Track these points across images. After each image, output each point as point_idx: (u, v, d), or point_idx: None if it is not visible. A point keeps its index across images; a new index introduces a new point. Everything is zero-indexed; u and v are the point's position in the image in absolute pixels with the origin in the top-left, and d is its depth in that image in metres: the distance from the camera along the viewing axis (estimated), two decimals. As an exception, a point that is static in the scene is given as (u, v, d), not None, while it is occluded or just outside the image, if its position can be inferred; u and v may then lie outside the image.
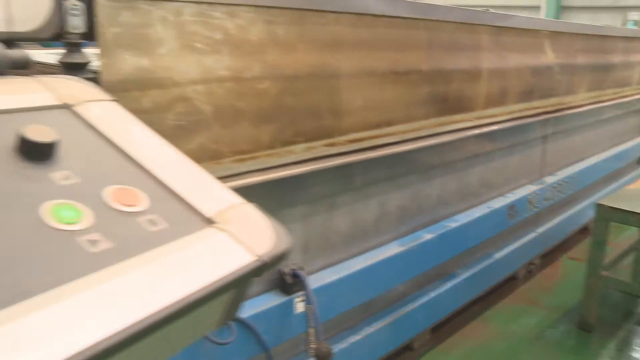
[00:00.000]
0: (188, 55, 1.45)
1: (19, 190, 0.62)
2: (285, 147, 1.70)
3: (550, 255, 3.26)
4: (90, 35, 1.26)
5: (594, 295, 2.50)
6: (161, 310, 0.56)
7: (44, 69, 1.35)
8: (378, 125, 1.95)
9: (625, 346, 2.45)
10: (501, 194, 2.72)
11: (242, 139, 1.58)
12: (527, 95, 2.66)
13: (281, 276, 1.74)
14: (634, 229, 2.76)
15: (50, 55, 1.52)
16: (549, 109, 2.82)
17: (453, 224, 2.38)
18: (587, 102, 3.24)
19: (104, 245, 0.60)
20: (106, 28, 1.29)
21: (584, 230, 3.51)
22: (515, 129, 2.57)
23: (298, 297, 1.80)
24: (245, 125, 1.58)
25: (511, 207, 2.67)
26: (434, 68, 2.09)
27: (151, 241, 0.63)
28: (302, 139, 1.73)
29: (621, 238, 3.09)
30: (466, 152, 2.41)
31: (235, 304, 0.75)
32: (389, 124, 1.98)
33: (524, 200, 2.79)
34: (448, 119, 2.18)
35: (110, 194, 0.66)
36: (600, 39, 3.47)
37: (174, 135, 1.34)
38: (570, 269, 3.14)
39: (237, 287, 0.68)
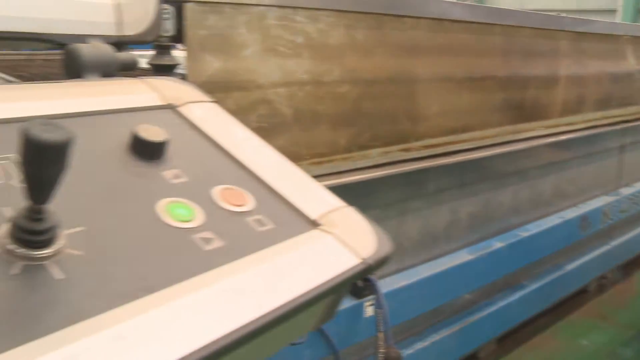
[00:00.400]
0: (270, 58, 1.47)
1: (135, 187, 0.64)
2: (361, 152, 1.70)
3: (624, 269, 3.15)
4: (178, 38, 1.30)
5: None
6: (274, 311, 0.57)
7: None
8: (453, 131, 1.93)
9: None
10: (574, 204, 2.65)
11: (320, 142, 1.59)
12: (605, 103, 2.59)
13: (353, 280, 1.73)
14: None
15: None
16: (628, 117, 2.74)
17: (524, 233, 2.34)
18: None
19: (217, 243, 0.61)
20: (193, 31, 1.32)
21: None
22: (592, 137, 2.50)
23: (368, 301, 1.80)
24: (324, 128, 1.59)
25: (584, 218, 2.60)
26: (510, 74, 2.06)
27: (260, 241, 0.64)
28: (378, 144, 1.73)
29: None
30: (540, 161, 2.36)
31: (334, 306, 0.76)
32: (464, 130, 1.96)
33: (598, 212, 2.71)
34: (523, 127, 2.14)
35: (218, 193, 0.68)
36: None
37: (256, 136, 1.36)
38: (647, 285, 3.04)
39: (341, 289, 0.68)
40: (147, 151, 0.68)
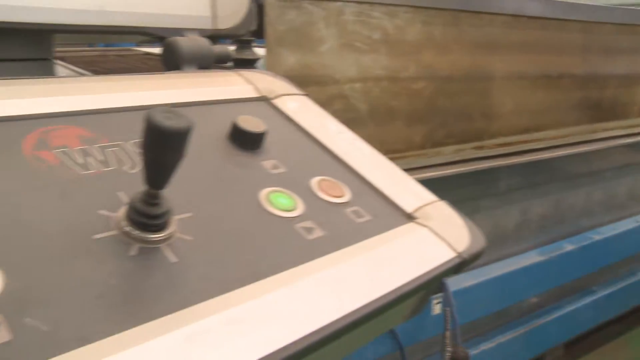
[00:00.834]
0: (347, 53, 1.48)
1: (238, 175, 0.65)
2: (434, 149, 1.69)
3: None
4: (258, 33, 1.32)
5: None
6: (378, 300, 0.57)
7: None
8: (527, 130, 1.90)
9: None
10: (651, 208, 2.57)
11: (395, 138, 1.59)
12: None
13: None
14: None
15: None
16: None
17: (597, 236, 2.27)
18: None
19: (318, 233, 0.62)
20: (273, 26, 1.34)
21: None
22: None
23: (435, 298, 1.78)
24: (399, 124, 1.59)
25: (661, 222, 2.52)
26: (589, 72, 2.01)
27: (359, 232, 0.64)
28: (452, 141, 1.71)
29: None
30: (615, 162, 2.29)
31: (425, 300, 0.75)
32: (538, 129, 1.93)
33: (677, 217, 2.62)
34: (599, 126, 2.09)
35: (316, 184, 0.68)
36: None
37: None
38: None
39: (436, 282, 0.68)
40: (246, 141, 0.69)
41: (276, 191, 0.64)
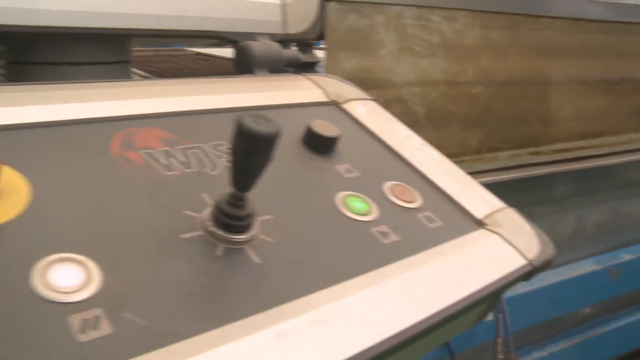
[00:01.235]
0: (406, 57, 1.48)
1: (314, 179, 0.66)
2: (490, 153, 1.68)
3: None
4: (319, 36, 1.33)
5: None
6: (453, 305, 0.57)
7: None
8: (585, 136, 1.87)
9: None
10: None
11: (452, 142, 1.59)
12: None
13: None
14: None
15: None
16: None
17: (655, 246, 2.22)
18: None
19: (393, 237, 0.62)
20: (333, 30, 1.35)
21: None
22: None
23: (488, 305, 1.77)
24: (455, 128, 1.58)
25: None
26: (651, 77, 1.97)
27: (432, 238, 0.65)
28: (508, 146, 1.70)
29: None
30: (677, 170, 2.24)
31: (491, 306, 0.75)
32: (597, 135, 1.89)
33: None
34: (661, 133, 2.04)
35: (389, 189, 0.69)
36: None
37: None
38: None
39: (506, 289, 0.68)
40: (321, 145, 0.70)
41: (351, 195, 0.65)
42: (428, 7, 1.50)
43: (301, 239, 0.57)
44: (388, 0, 1.43)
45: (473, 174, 1.64)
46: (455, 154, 1.59)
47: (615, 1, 1.85)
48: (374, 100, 0.86)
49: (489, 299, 0.65)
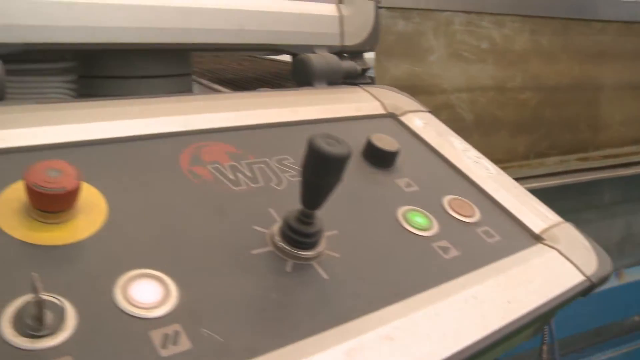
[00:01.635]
0: (455, 63, 1.48)
1: (376, 193, 0.67)
2: (538, 159, 1.67)
3: None
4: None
5: None
6: (514, 322, 0.58)
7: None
8: (636, 142, 1.84)
9: None
10: None
11: (499, 148, 1.58)
12: None
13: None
14: None
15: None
16: None
17: None
18: None
19: (454, 253, 0.63)
20: (383, 36, 1.36)
21: None
22: None
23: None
24: (503, 134, 1.58)
25: None
26: None
27: (491, 253, 0.65)
28: (555, 152, 1.69)
29: None
30: None
31: (547, 321, 0.76)
32: (647, 140, 1.87)
33: None
34: None
35: (447, 203, 0.70)
36: None
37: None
38: None
39: (565, 305, 0.68)
40: (381, 159, 0.71)
41: (412, 210, 0.66)
42: (477, 12, 1.49)
43: (366, 254, 0.59)
44: (437, 7, 1.44)
45: (520, 179, 1.64)
46: (502, 159, 1.59)
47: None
48: (430, 111, 0.87)
49: (548, 316, 0.66)
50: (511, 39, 1.54)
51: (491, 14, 1.50)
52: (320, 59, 0.83)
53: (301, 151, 0.67)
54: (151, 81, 0.80)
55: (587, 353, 2.01)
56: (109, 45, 0.70)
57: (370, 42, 0.90)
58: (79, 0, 0.68)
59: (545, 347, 1.73)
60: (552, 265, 0.68)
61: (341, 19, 0.88)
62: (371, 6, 0.92)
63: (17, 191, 0.51)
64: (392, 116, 0.82)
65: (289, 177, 0.65)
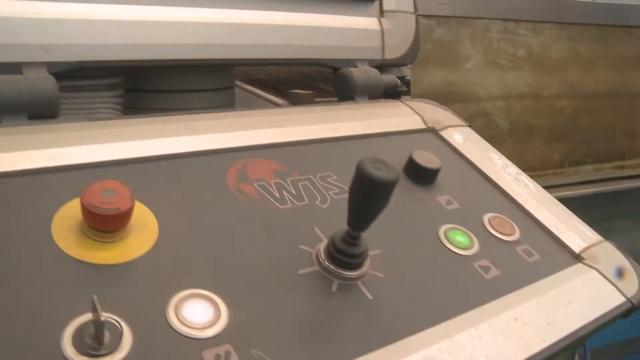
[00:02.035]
0: (491, 71, 1.48)
1: (417, 211, 0.68)
2: (573, 167, 1.65)
3: None
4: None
5: None
6: (555, 344, 0.58)
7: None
8: (673, 150, 1.81)
9: None
10: None
11: (534, 156, 1.57)
12: None
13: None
14: None
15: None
16: None
17: None
18: None
19: (494, 272, 0.64)
20: (421, 44, 1.36)
21: None
22: None
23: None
24: (538, 142, 1.57)
25: None
26: None
27: (532, 273, 0.66)
28: (591, 160, 1.67)
29: None
30: None
31: (584, 342, 0.76)
32: (686, 149, 1.84)
33: None
34: None
35: (488, 221, 0.70)
36: None
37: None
38: None
39: (604, 327, 0.68)
40: (422, 176, 0.72)
41: (453, 228, 0.67)
42: (514, 20, 1.49)
43: (408, 273, 0.60)
44: (474, 14, 1.43)
45: (554, 187, 1.63)
46: (536, 167, 1.58)
47: None
48: (469, 125, 0.87)
49: (587, 337, 0.66)
50: (548, 47, 1.53)
51: (528, 21, 1.50)
52: (361, 74, 0.84)
53: (344, 168, 0.68)
54: (196, 95, 0.82)
55: (620, 362, 2.00)
56: (158, 61, 0.72)
57: (411, 55, 0.91)
58: (128, 18, 0.70)
59: (577, 357, 1.73)
60: (592, 286, 0.68)
61: (382, 32, 0.88)
62: (412, 19, 0.92)
63: (73, 209, 0.53)
64: (433, 131, 0.83)
65: (332, 194, 0.66)
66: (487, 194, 0.76)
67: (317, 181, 0.67)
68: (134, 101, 0.81)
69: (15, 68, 0.63)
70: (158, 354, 0.45)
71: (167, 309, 0.48)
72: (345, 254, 0.56)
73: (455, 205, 0.71)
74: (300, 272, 0.56)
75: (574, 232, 0.74)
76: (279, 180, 0.65)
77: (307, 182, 0.66)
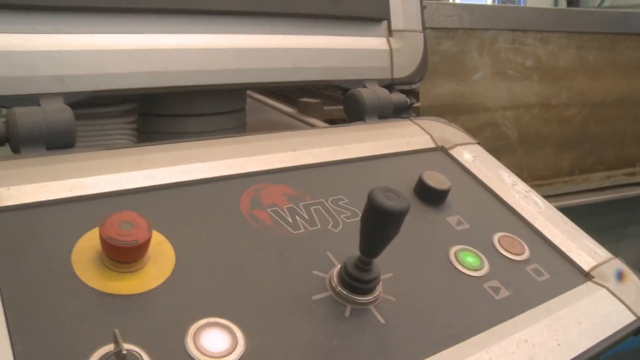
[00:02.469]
0: (500, 81, 1.48)
1: (428, 232, 0.69)
2: (583, 175, 1.66)
3: None
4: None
5: None
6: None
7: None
8: (684, 156, 1.81)
9: None
10: None
11: (543, 164, 1.58)
12: None
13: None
14: None
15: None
16: None
17: None
18: None
19: (504, 293, 0.65)
20: (429, 56, 1.37)
21: None
22: None
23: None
24: (547, 151, 1.58)
25: None
26: None
27: (541, 293, 0.67)
28: (601, 167, 1.68)
29: None
30: None
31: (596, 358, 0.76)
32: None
33: None
34: None
35: (497, 241, 0.71)
36: None
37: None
38: None
39: (614, 347, 0.69)
40: (432, 197, 0.73)
41: (464, 249, 0.68)
42: (522, 30, 1.49)
43: (420, 296, 0.61)
44: (482, 26, 1.44)
45: (564, 195, 1.63)
46: (546, 176, 1.59)
47: None
48: (478, 143, 0.88)
49: (600, 355, 0.67)
50: (556, 56, 1.54)
51: (536, 31, 1.50)
52: (371, 94, 0.85)
53: (355, 190, 0.70)
54: (208, 118, 0.84)
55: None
56: (170, 88, 0.73)
57: (420, 73, 0.92)
58: (141, 47, 0.72)
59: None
60: (602, 305, 0.69)
61: (391, 52, 0.89)
62: (420, 38, 0.93)
63: (92, 239, 0.55)
64: (442, 149, 0.84)
65: (344, 218, 0.67)
66: (497, 213, 0.77)
67: (329, 205, 0.68)
68: (147, 125, 0.83)
69: (33, 100, 0.65)
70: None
71: (186, 338, 0.49)
72: (357, 280, 0.57)
73: (466, 226, 0.72)
74: (314, 297, 0.57)
75: (584, 250, 0.75)
76: (292, 205, 0.67)
77: (319, 206, 0.68)
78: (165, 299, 0.52)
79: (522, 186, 0.82)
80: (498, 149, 1.54)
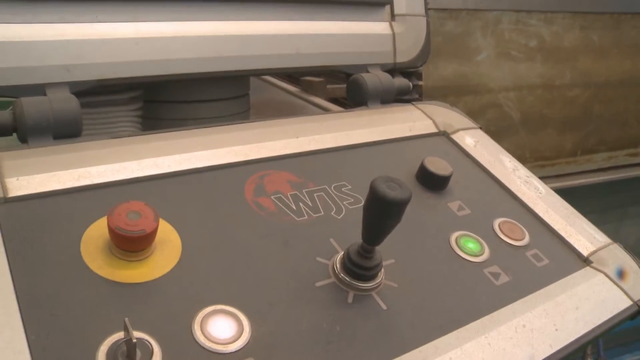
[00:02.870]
0: (503, 62, 1.48)
1: (429, 218, 0.70)
2: (585, 156, 1.66)
3: None
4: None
5: None
6: (562, 350, 0.61)
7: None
8: (687, 135, 1.82)
9: None
10: None
11: (546, 145, 1.58)
12: None
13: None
14: None
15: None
16: None
17: None
18: None
19: (504, 278, 0.66)
20: (431, 37, 1.37)
21: None
22: None
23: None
24: (550, 132, 1.58)
25: None
26: None
27: (540, 278, 0.68)
28: (604, 148, 1.68)
29: None
30: None
31: (592, 343, 0.78)
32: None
33: None
34: None
35: (498, 226, 0.72)
36: None
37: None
38: None
39: (611, 331, 0.70)
40: (434, 183, 0.74)
41: (465, 235, 0.69)
42: (526, 11, 1.49)
43: (421, 282, 0.62)
44: (486, 6, 1.44)
45: (567, 175, 1.64)
46: (549, 157, 1.59)
47: None
48: (480, 127, 0.89)
49: (597, 339, 0.68)
50: (560, 36, 1.54)
51: (540, 11, 1.50)
52: (373, 79, 0.86)
53: (358, 176, 0.71)
54: (213, 104, 0.84)
55: (634, 348, 2.01)
56: (174, 76, 0.74)
57: (422, 58, 0.92)
58: (145, 35, 0.72)
59: (589, 347, 1.75)
60: (599, 290, 0.70)
61: (394, 36, 0.90)
62: (422, 22, 0.94)
63: (100, 228, 0.56)
64: (444, 134, 0.85)
65: (347, 204, 0.68)
66: (498, 198, 0.78)
67: (332, 191, 0.69)
68: (152, 112, 0.84)
69: (39, 89, 0.66)
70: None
71: (193, 325, 0.51)
72: (360, 267, 0.58)
73: (467, 211, 0.73)
74: (318, 284, 0.58)
75: (583, 235, 0.76)
76: (295, 192, 0.68)
77: (322, 193, 0.69)
78: (172, 286, 0.54)
79: (523, 171, 0.83)
80: (501, 130, 1.54)
